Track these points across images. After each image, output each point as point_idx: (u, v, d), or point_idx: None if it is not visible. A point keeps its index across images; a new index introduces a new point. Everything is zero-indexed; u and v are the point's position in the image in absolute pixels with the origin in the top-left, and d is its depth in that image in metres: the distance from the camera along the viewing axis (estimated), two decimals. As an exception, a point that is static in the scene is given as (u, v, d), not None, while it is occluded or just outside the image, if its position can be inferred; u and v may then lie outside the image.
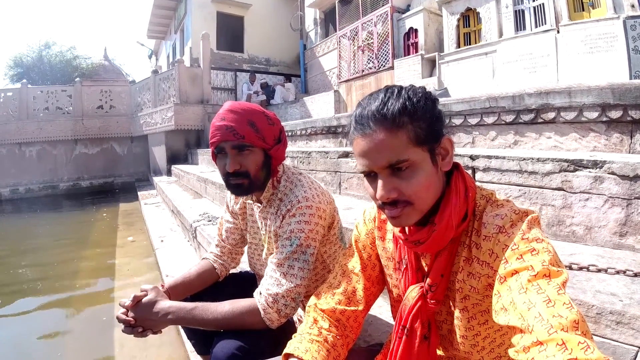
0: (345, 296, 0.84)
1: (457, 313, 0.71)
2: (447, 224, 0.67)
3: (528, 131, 2.38)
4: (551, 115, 2.22)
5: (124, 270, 3.64)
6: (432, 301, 0.72)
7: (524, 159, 1.67)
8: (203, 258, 1.35)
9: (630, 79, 4.27)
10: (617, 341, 0.90)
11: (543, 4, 5.30)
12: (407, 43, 7.57)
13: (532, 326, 0.49)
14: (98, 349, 2.28)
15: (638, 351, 0.87)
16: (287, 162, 3.54)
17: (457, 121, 2.77)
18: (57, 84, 12.91)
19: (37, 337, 2.53)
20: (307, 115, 8.30)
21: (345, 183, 2.93)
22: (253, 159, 1.05)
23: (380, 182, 0.66)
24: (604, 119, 1.99)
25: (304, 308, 1.12)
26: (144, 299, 1.03)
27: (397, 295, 0.84)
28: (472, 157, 1.90)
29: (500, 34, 5.85)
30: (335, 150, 3.21)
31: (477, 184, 0.75)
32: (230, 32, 12.32)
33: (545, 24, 5.27)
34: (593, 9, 4.91)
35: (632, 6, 4.47)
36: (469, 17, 6.49)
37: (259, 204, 1.17)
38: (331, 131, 4.36)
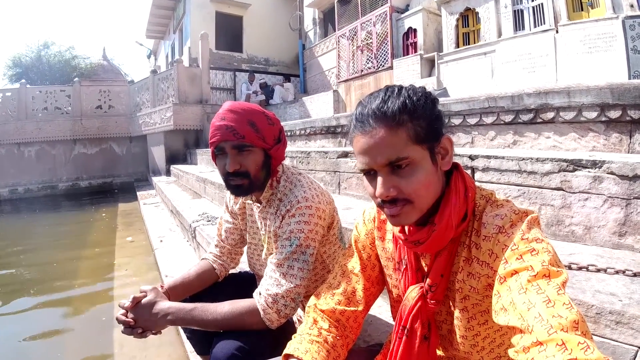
0: (345, 296, 0.84)
1: (457, 313, 0.71)
2: (447, 224, 0.67)
3: (527, 131, 2.38)
4: (550, 115, 2.22)
5: (123, 271, 3.64)
6: (432, 301, 0.72)
7: (523, 159, 1.67)
8: (202, 258, 1.35)
9: (629, 78, 4.28)
10: (616, 341, 0.90)
11: (542, 3, 5.31)
12: (406, 43, 7.57)
13: (531, 326, 0.49)
14: (98, 349, 2.27)
15: (637, 351, 0.87)
16: (287, 162, 3.54)
17: (456, 121, 2.77)
18: (55, 84, 12.90)
19: (36, 337, 2.53)
20: (306, 115, 8.30)
21: (344, 183, 2.93)
22: (253, 159, 1.05)
23: (379, 180, 0.66)
24: (603, 118, 2.00)
25: (303, 308, 1.12)
26: (144, 300, 1.03)
27: (396, 295, 0.84)
28: (472, 157, 1.90)
29: (499, 34, 5.86)
30: (335, 150, 3.21)
31: (477, 184, 0.75)
32: (229, 32, 12.31)
33: (544, 23, 5.28)
34: (592, 8, 4.92)
35: (631, 6, 4.48)
36: (468, 17, 6.49)
37: (259, 204, 1.17)
38: (330, 131, 4.36)
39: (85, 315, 2.82)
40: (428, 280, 0.72)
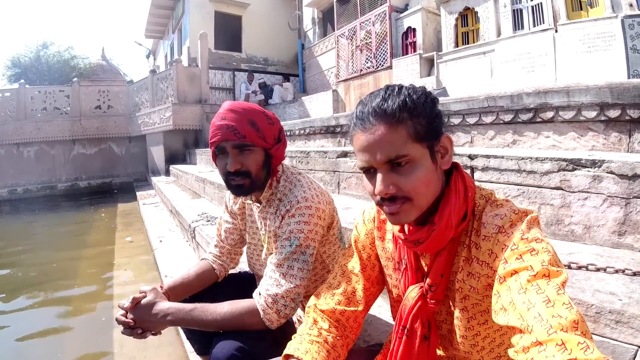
0: (344, 296, 0.84)
1: (457, 313, 0.71)
2: (447, 224, 0.67)
3: (526, 130, 2.38)
4: (549, 114, 2.22)
5: (123, 271, 3.63)
6: (432, 301, 0.72)
7: (523, 159, 1.67)
8: (202, 259, 1.35)
9: (628, 78, 4.28)
10: (616, 340, 0.90)
11: (541, 3, 5.31)
12: (406, 42, 7.57)
13: (531, 326, 0.49)
14: (97, 349, 2.27)
15: (637, 350, 0.87)
16: (286, 161, 3.53)
17: (455, 120, 2.77)
18: (54, 84, 12.89)
19: (35, 337, 2.53)
20: (305, 114, 8.30)
21: (344, 183, 2.93)
22: (254, 159, 1.05)
23: (379, 177, 0.66)
24: (603, 118, 2.00)
25: (303, 308, 1.12)
26: (143, 301, 1.03)
27: (396, 295, 0.84)
28: (471, 157, 1.90)
29: (499, 33, 5.86)
30: (334, 149, 3.21)
31: (476, 183, 0.75)
32: (229, 32, 12.30)
33: (544, 23, 5.28)
34: (591, 8, 4.92)
35: (630, 5, 4.48)
36: (467, 17, 6.49)
37: (258, 204, 1.17)
38: (330, 131, 4.36)
39: (85, 315, 2.82)
40: (428, 280, 0.72)
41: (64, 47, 17.82)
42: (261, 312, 0.97)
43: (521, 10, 5.60)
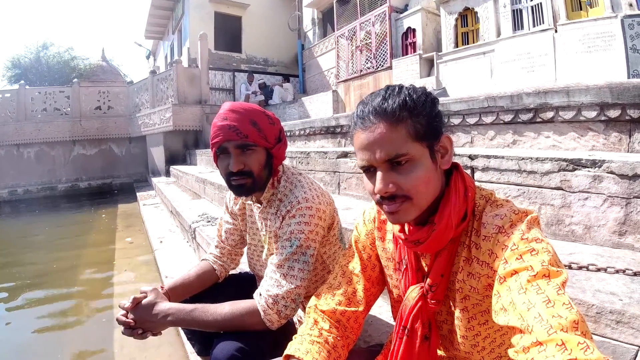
0: (345, 297, 0.84)
1: (457, 313, 0.71)
2: (447, 224, 0.67)
3: (527, 130, 2.38)
4: (550, 114, 2.22)
5: (123, 272, 3.64)
6: (432, 301, 0.72)
7: (523, 159, 1.67)
8: (202, 259, 1.35)
9: (628, 78, 4.28)
10: (617, 340, 0.90)
11: (541, 3, 5.31)
12: (405, 43, 7.57)
13: (531, 326, 0.49)
14: (97, 349, 2.27)
15: (638, 350, 0.87)
16: (286, 162, 3.53)
17: (455, 121, 2.77)
18: (55, 85, 12.86)
19: (35, 338, 2.53)
20: (305, 115, 8.30)
21: (344, 183, 2.93)
22: (256, 158, 1.05)
23: (379, 175, 0.66)
24: (603, 118, 2.00)
25: (304, 309, 1.12)
26: (144, 301, 1.03)
27: (397, 295, 0.84)
28: (471, 157, 1.90)
29: (498, 34, 5.86)
30: (334, 150, 3.21)
31: (477, 183, 0.75)
32: (228, 32, 12.30)
33: (543, 23, 5.28)
34: (591, 8, 4.92)
35: (630, 5, 4.48)
36: (467, 17, 6.49)
37: (259, 205, 1.17)
38: (330, 131, 4.36)
39: (85, 315, 2.82)
40: (428, 280, 0.72)
41: (64, 48, 17.81)
42: (262, 313, 0.98)
43: (521, 11, 5.60)
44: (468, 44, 6.40)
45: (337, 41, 9.33)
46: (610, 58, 4.54)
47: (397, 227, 0.76)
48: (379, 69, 8.05)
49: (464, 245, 0.70)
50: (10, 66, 16.58)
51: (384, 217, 0.86)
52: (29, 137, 9.78)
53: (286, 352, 0.77)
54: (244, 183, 1.06)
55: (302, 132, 4.90)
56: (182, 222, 3.96)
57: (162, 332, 1.05)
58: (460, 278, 0.70)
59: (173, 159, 8.95)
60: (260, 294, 1.01)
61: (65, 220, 6.98)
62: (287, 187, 1.12)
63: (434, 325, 0.75)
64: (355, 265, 0.88)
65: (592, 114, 2.03)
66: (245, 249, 1.36)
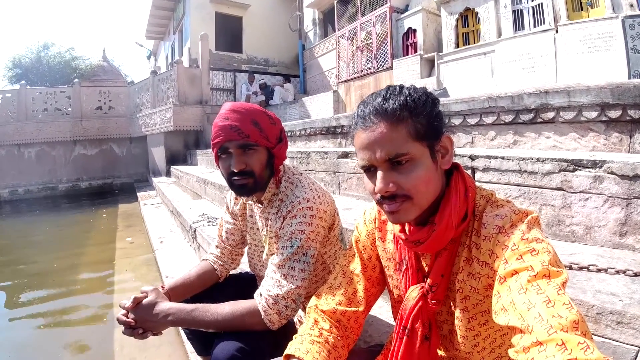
0: (345, 297, 0.85)
1: (457, 313, 0.71)
2: (447, 224, 0.67)
3: (527, 131, 2.38)
4: (550, 115, 2.22)
5: (123, 271, 3.64)
6: (432, 301, 0.72)
7: (524, 159, 1.67)
8: (203, 259, 1.35)
9: (629, 78, 4.28)
10: (617, 341, 0.90)
11: (542, 3, 5.31)
12: (406, 43, 7.57)
13: (531, 326, 0.49)
14: (98, 349, 2.27)
15: (638, 351, 0.87)
16: (287, 162, 3.53)
17: (456, 121, 2.77)
18: (55, 85, 12.86)
19: (36, 337, 2.53)
20: (306, 115, 8.30)
21: (344, 183, 2.93)
22: (258, 158, 1.05)
23: (379, 175, 0.67)
24: (603, 118, 2.00)
25: (304, 309, 1.12)
26: (144, 301, 1.03)
27: (397, 295, 0.84)
28: (472, 157, 1.90)
29: (499, 34, 5.86)
30: (335, 150, 3.21)
31: (477, 184, 0.75)
32: (229, 33, 12.31)
33: (544, 23, 5.28)
34: (592, 8, 4.92)
35: (631, 5, 4.48)
36: (467, 17, 6.49)
37: (260, 205, 1.17)
38: (330, 131, 4.36)
39: (85, 316, 2.82)
40: (429, 280, 0.73)
41: (65, 48, 17.81)
42: (262, 313, 0.98)
43: (522, 11, 5.59)
44: (469, 44, 6.40)
45: (338, 41, 9.33)
46: (611, 58, 4.54)
47: (397, 227, 0.76)
48: (379, 69, 8.05)
49: (465, 246, 0.70)
50: (11, 66, 16.59)
51: (384, 217, 0.86)
52: (29, 137, 9.79)
53: (286, 351, 0.77)
54: (246, 183, 1.06)
55: (302, 132, 4.90)
56: (182, 222, 3.96)
57: (162, 332, 1.05)
58: (460, 278, 0.70)
59: (174, 159, 8.96)
60: (261, 294, 1.01)
61: (66, 220, 6.98)
62: (288, 187, 1.12)
63: (434, 325, 0.75)
64: (355, 266, 0.88)
65: (592, 114, 2.03)
66: (245, 249, 1.36)
